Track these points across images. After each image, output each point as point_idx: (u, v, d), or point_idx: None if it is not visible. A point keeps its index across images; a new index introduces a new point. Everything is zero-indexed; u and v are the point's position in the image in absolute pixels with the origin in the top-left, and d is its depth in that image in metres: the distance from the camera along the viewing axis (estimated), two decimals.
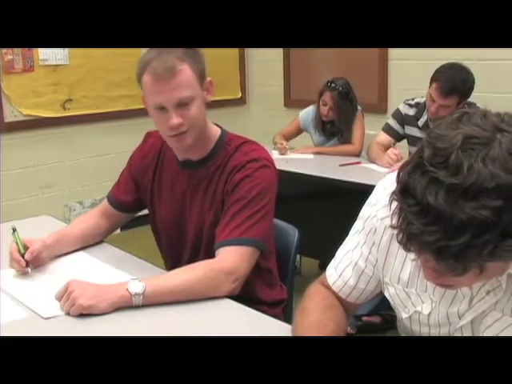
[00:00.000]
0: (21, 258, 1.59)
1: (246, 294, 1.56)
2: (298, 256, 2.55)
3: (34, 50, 4.12)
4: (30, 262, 1.60)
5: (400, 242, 0.89)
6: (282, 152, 3.57)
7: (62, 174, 4.42)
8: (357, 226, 1.25)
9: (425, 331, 1.16)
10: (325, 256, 3.62)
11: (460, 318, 1.10)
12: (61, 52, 4.24)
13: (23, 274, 1.60)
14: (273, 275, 1.79)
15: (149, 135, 1.82)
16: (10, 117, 4.09)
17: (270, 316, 1.43)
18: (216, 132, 1.69)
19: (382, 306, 2.96)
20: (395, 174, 0.90)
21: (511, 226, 0.80)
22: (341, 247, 1.29)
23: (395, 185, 0.89)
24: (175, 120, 1.52)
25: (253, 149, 1.65)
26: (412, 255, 0.95)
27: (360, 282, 1.24)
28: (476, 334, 1.09)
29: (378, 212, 1.16)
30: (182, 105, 1.52)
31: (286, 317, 1.81)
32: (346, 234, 1.28)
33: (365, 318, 2.99)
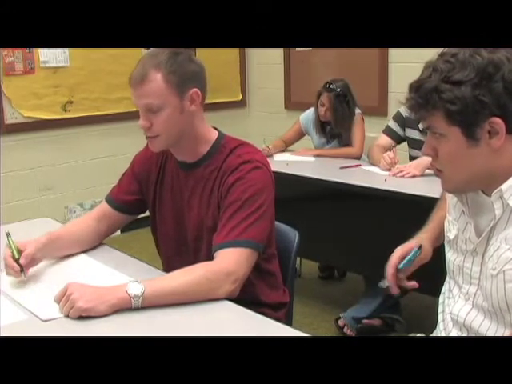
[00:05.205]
0: (15, 264, 1.57)
1: (249, 297, 1.56)
2: (298, 258, 2.55)
3: (35, 51, 4.12)
4: (25, 266, 1.59)
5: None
6: (266, 153, 3.50)
7: (62, 176, 4.42)
8: None
9: (453, 257, 1.40)
10: (325, 258, 3.62)
11: (472, 242, 1.32)
12: (61, 54, 4.25)
13: (19, 280, 1.59)
14: (276, 278, 1.79)
15: None
16: (10, 119, 4.09)
17: (271, 318, 1.42)
18: (213, 135, 1.72)
19: (382, 308, 2.96)
20: None
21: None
22: None
23: None
24: (141, 121, 1.62)
25: (247, 151, 1.66)
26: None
27: None
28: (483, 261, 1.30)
29: None
30: (151, 111, 1.59)
31: (288, 320, 1.81)
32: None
33: (365, 321, 2.98)
